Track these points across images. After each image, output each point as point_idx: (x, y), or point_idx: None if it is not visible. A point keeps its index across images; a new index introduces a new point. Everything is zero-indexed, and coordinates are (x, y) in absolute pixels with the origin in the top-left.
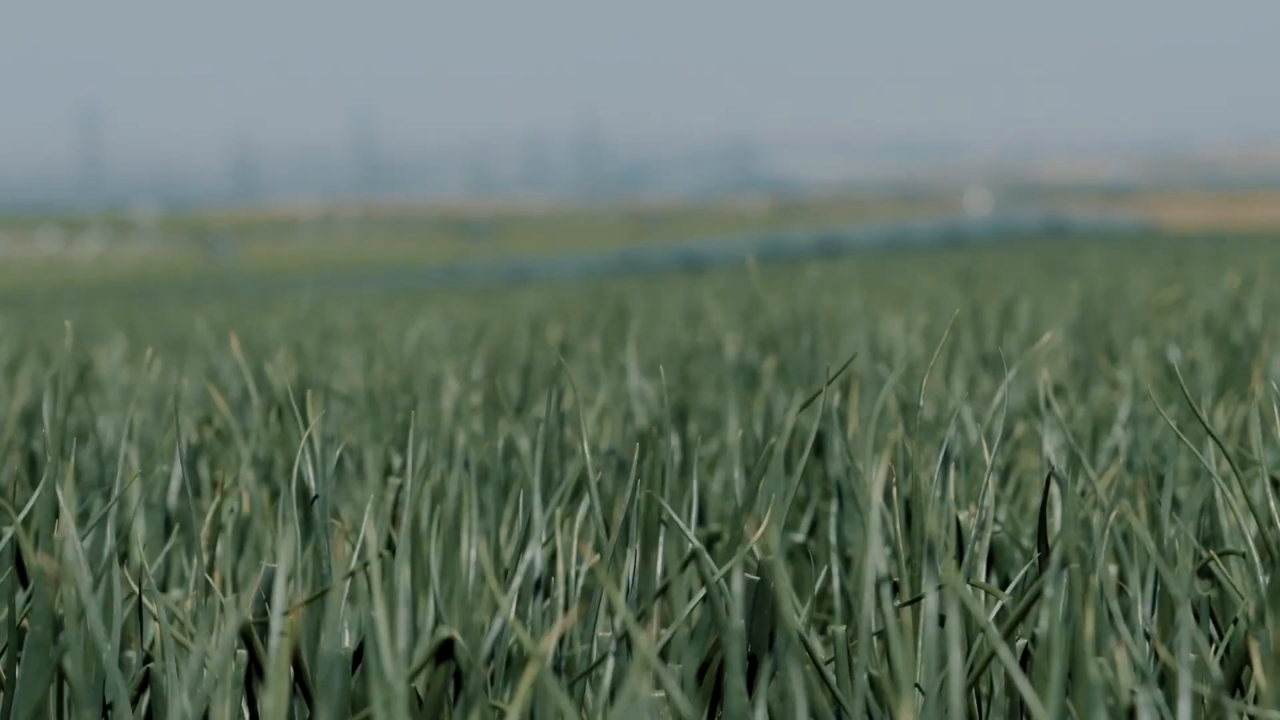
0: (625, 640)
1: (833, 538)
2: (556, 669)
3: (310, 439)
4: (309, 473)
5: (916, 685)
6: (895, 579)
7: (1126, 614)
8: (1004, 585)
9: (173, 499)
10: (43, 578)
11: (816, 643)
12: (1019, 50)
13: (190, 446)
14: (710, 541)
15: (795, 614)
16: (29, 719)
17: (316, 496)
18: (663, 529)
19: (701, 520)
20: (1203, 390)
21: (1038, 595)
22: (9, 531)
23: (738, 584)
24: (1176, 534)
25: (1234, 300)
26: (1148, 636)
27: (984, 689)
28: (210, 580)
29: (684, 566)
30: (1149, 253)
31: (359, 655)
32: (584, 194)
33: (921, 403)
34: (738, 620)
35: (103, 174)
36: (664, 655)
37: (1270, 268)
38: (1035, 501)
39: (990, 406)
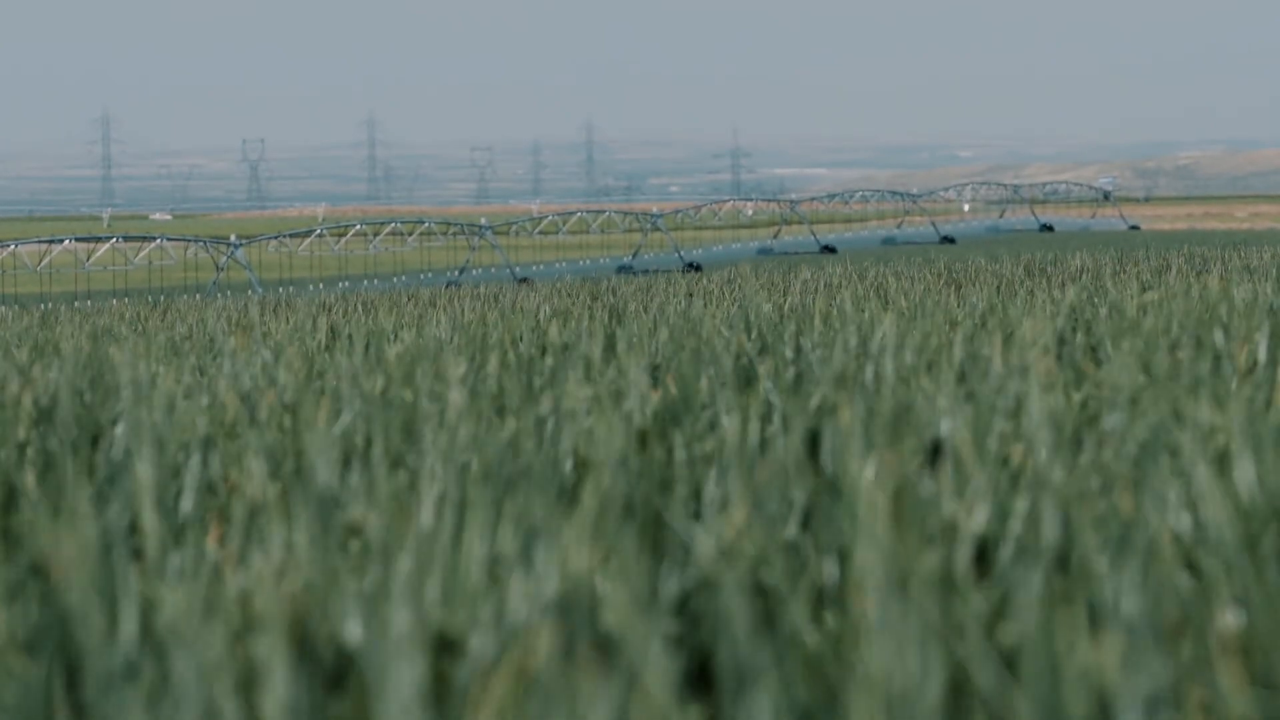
0: (623, 635)
1: (825, 533)
2: (556, 663)
3: (319, 436)
4: (318, 469)
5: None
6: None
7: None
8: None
9: (185, 494)
10: (58, 571)
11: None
12: (1009, 62)
13: (201, 443)
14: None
15: (791, 608)
16: (42, 708)
17: (325, 492)
18: (661, 526)
19: (698, 517)
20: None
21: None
22: (26, 526)
23: (735, 580)
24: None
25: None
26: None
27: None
28: (220, 572)
29: (680, 563)
30: (1133, 251)
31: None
32: (585, 201)
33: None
34: (734, 616)
35: (120, 183)
36: (661, 649)
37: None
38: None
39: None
